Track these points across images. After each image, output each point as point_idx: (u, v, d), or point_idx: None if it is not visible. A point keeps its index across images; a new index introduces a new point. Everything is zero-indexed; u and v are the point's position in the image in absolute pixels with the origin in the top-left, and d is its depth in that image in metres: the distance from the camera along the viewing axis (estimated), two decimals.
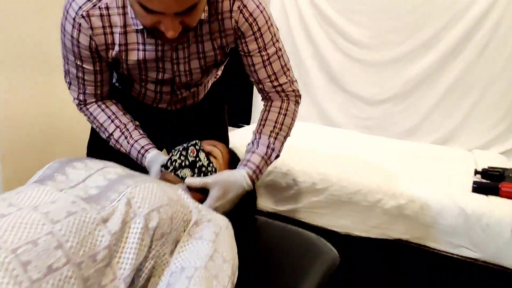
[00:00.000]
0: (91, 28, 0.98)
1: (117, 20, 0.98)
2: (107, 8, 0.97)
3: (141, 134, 1.13)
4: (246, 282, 0.85)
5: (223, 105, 1.46)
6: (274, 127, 1.11)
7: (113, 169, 0.84)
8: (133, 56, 1.03)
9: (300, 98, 1.17)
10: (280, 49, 1.09)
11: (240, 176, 1.03)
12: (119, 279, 0.68)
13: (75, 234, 0.66)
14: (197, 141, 1.05)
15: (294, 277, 0.96)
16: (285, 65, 1.11)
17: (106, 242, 0.68)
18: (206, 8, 0.98)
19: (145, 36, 1.00)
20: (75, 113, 1.20)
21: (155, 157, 1.08)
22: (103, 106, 1.14)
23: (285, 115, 1.12)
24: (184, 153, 1.02)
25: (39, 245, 0.62)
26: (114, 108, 1.15)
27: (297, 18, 2.83)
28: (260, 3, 1.02)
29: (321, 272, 0.95)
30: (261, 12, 1.02)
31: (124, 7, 0.97)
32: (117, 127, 1.13)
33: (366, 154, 2.15)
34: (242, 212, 1.05)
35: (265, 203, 1.91)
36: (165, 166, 1.01)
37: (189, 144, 1.04)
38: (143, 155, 1.09)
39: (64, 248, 0.63)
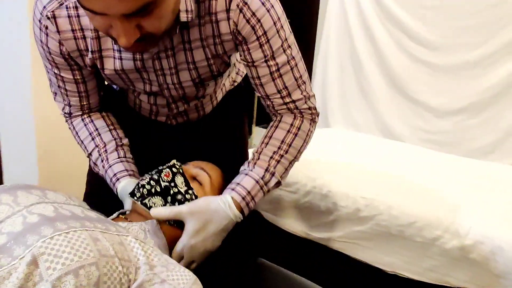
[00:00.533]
0: (58, 31, 0.84)
1: (88, 22, 0.82)
2: (76, 7, 0.81)
3: (119, 157, 0.96)
4: None
5: (241, 116, 1.21)
6: (279, 148, 0.90)
7: (43, 207, 0.65)
8: (109, 65, 0.87)
9: (318, 117, 0.96)
10: (293, 58, 0.89)
11: (223, 204, 0.82)
12: None
13: None
14: (175, 162, 0.85)
15: None
16: (300, 77, 0.91)
17: None
18: (192, 7, 0.77)
19: None
20: None
21: (126, 188, 0.89)
22: (87, 120, 0.99)
23: (295, 134, 0.91)
24: (155, 177, 0.83)
25: None
26: (99, 123, 0.99)
27: (357, 15, 2.57)
28: (266, 0, 0.82)
29: None
30: (268, 10, 0.82)
31: None
32: (96, 146, 0.98)
33: (428, 176, 1.80)
34: (235, 253, 0.82)
35: (298, 227, 1.65)
36: (131, 194, 0.82)
37: (164, 166, 0.84)
38: (114, 184, 0.92)
39: None
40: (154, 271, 0.64)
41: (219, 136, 1.12)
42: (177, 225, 0.80)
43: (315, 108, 0.94)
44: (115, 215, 0.85)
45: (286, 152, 0.90)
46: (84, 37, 0.84)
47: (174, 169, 0.84)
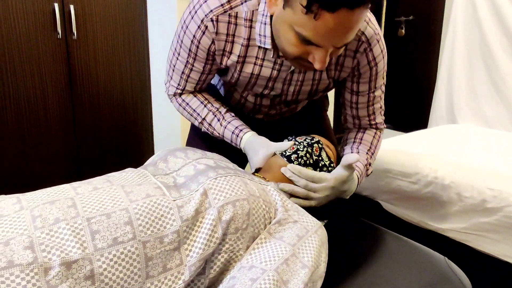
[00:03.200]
0: (216, 32, 0.97)
1: (242, 31, 0.98)
2: (236, 17, 0.96)
3: (233, 116, 1.12)
4: None
5: (322, 113, 1.39)
6: (369, 148, 1.13)
7: (206, 160, 0.84)
8: (248, 69, 1.03)
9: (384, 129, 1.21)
10: (383, 91, 1.12)
11: (354, 183, 1.01)
12: (184, 265, 0.67)
13: (147, 214, 0.67)
14: (319, 138, 1.02)
15: None
16: (382, 105, 1.15)
17: (176, 227, 0.68)
18: None
19: (265, 54, 1.00)
20: None
21: (254, 140, 1.05)
22: (196, 93, 1.15)
23: (378, 140, 1.17)
24: (309, 150, 0.99)
25: (111, 218, 0.65)
26: (206, 95, 1.15)
27: (488, 4, 2.40)
28: (384, 47, 1.03)
29: None
30: (383, 57, 1.04)
31: (251, 21, 0.96)
32: (210, 111, 1.12)
33: None
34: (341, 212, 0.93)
35: (418, 217, 1.65)
36: (288, 158, 0.97)
37: (313, 141, 1.00)
38: (237, 135, 1.08)
39: (133, 225, 0.66)
40: (289, 213, 0.78)
41: (306, 129, 1.26)
42: None
43: (384, 123, 1.20)
44: (252, 171, 1.01)
45: (373, 153, 1.14)
46: (233, 42, 0.99)
47: (320, 145, 1.00)
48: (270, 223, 0.76)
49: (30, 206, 0.66)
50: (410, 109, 3.37)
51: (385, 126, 1.20)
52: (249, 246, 0.73)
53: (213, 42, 0.98)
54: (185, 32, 1.00)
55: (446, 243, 1.57)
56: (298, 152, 0.98)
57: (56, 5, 1.92)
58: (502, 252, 1.43)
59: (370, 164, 1.11)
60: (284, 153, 0.99)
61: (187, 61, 1.04)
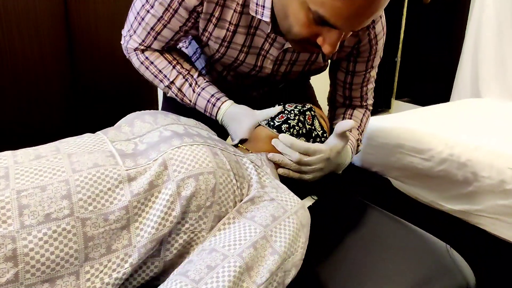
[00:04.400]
0: None
1: None
2: None
3: (207, 82, 0.98)
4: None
5: (304, 80, 1.26)
6: (360, 125, 1.08)
7: (176, 127, 0.74)
8: (239, 40, 0.90)
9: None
10: (376, 72, 1.07)
11: (350, 156, 0.96)
12: (133, 246, 0.58)
13: (90, 187, 0.58)
14: (311, 105, 0.91)
15: None
16: (373, 86, 1.10)
17: (124, 203, 0.59)
18: None
19: (259, 24, 0.88)
20: None
21: (235, 110, 0.93)
22: (163, 52, 0.98)
23: (367, 119, 1.12)
24: (302, 118, 0.88)
25: (46, 191, 0.56)
26: (175, 54, 0.99)
27: None
28: (385, 24, 0.96)
29: None
30: (384, 34, 0.98)
31: None
32: (179, 73, 0.97)
33: None
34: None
35: (430, 196, 1.53)
36: (277, 128, 0.86)
37: (305, 108, 0.89)
38: (214, 104, 0.95)
39: (71, 199, 0.56)
40: (265, 190, 0.68)
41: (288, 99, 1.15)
42: None
43: (372, 106, 1.15)
44: (235, 142, 0.91)
45: (362, 131, 1.09)
46: (223, 6, 0.85)
47: (312, 112, 0.90)
48: (241, 200, 0.66)
49: None
50: (432, 82, 3.17)
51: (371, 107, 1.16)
52: (213, 226, 0.63)
53: (201, 3, 0.85)
54: None
55: (458, 226, 1.45)
56: (289, 121, 0.87)
57: None
58: None
59: (360, 141, 1.07)
60: (272, 123, 0.88)
61: (161, 17, 0.89)
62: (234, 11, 0.85)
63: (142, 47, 0.96)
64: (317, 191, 0.88)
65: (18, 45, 1.85)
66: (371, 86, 1.09)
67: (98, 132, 0.75)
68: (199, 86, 0.97)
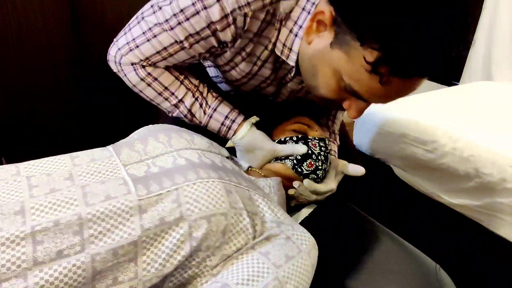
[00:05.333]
0: (244, 29, 0.76)
1: (272, 32, 0.79)
2: (273, 15, 0.76)
3: (217, 99, 0.91)
4: None
5: None
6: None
7: (190, 153, 0.73)
8: (264, 73, 0.88)
9: None
10: None
11: None
12: (139, 280, 0.59)
13: (102, 222, 0.59)
14: (325, 138, 0.92)
15: None
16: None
17: (134, 237, 0.59)
18: None
19: (274, 57, 0.85)
20: None
21: (253, 137, 0.90)
22: (166, 68, 0.88)
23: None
24: (325, 154, 0.90)
25: (59, 226, 0.57)
26: (180, 69, 0.89)
27: None
28: None
29: None
30: None
31: (281, 23, 0.78)
32: (188, 89, 0.88)
33: None
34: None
35: (430, 188, 1.54)
36: (304, 176, 0.87)
37: (327, 151, 0.91)
38: (229, 127, 0.90)
39: (83, 235, 0.57)
40: (281, 228, 0.68)
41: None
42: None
43: None
44: (245, 167, 0.91)
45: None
46: (256, 43, 0.81)
47: (327, 152, 0.91)
48: (254, 237, 0.66)
49: None
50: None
51: None
52: (218, 264, 0.64)
53: (235, 38, 0.78)
54: (198, 12, 0.74)
55: (456, 218, 1.47)
56: (317, 172, 0.88)
57: None
58: None
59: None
60: (300, 170, 0.87)
61: (181, 41, 0.79)
62: (266, 48, 0.82)
63: (144, 63, 0.84)
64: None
65: (22, 18, 1.83)
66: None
67: (111, 150, 0.74)
68: (210, 106, 0.90)
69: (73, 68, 2.03)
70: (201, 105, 0.89)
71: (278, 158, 0.90)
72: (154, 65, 0.84)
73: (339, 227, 0.85)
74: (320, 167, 0.87)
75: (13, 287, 0.52)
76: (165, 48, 0.81)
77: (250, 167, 0.90)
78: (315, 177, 0.87)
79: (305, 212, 0.86)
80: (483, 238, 1.41)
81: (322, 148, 0.89)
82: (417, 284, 0.69)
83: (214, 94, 0.92)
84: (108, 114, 2.13)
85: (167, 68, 0.86)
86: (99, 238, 0.58)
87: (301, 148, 0.88)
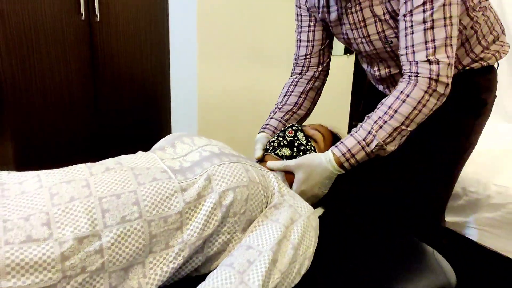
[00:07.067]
0: None
1: None
2: None
3: (276, 119, 1.18)
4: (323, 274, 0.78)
5: (470, 115, 1.13)
6: (385, 113, 0.91)
7: (211, 147, 0.90)
8: (332, 17, 1.12)
9: (440, 85, 0.90)
10: (433, 20, 0.88)
11: (325, 158, 0.94)
12: (185, 243, 0.73)
13: (153, 196, 0.73)
14: (294, 123, 1.08)
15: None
16: (433, 40, 0.88)
17: (179, 209, 0.74)
18: None
19: None
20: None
21: (258, 139, 1.12)
22: (294, 81, 1.23)
23: (403, 101, 0.90)
24: (281, 134, 1.04)
25: (121, 199, 0.72)
26: (298, 88, 1.22)
27: None
28: None
29: None
30: None
31: None
32: (280, 102, 1.21)
33: None
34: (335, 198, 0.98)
35: None
36: (265, 149, 1.04)
37: (287, 127, 1.05)
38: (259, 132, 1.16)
39: (140, 205, 0.72)
40: (284, 198, 0.84)
41: (434, 128, 1.09)
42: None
43: (438, 75, 0.89)
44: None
45: (391, 117, 0.90)
46: None
47: (294, 128, 1.04)
48: (266, 206, 0.82)
49: (49, 184, 0.73)
50: None
51: (437, 73, 0.89)
52: (245, 228, 0.79)
53: (306, 0, 1.15)
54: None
55: (450, 236, 1.60)
56: (270, 139, 1.06)
57: None
58: (505, 247, 1.46)
59: (374, 137, 0.91)
60: (263, 149, 1.06)
61: (297, 25, 1.20)
62: None
63: (294, 62, 1.26)
64: (324, 203, 1.03)
65: (45, 64, 2.01)
66: (419, 37, 0.89)
67: (148, 152, 0.91)
68: (268, 117, 1.21)
69: (90, 109, 2.19)
70: (271, 112, 1.24)
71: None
72: (298, 61, 1.26)
73: (339, 227, 0.98)
74: (274, 138, 1.04)
75: (91, 243, 0.66)
76: (296, 40, 1.24)
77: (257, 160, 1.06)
78: (269, 145, 1.04)
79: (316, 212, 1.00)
80: (473, 252, 1.54)
81: (281, 133, 1.05)
82: (416, 261, 0.83)
83: (275, 111, 1.21)
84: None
85: (291, 81, 1.25)
86: (152, 208, 0.72)
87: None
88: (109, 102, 2.24)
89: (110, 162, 0.83)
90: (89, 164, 0.82)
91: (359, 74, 2.54)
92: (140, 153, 0.90)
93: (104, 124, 2.24)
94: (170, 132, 2.29)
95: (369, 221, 1.04)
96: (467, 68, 1.08)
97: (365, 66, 1.22)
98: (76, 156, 2.19)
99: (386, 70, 1.14)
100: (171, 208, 0.74)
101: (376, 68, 1.16)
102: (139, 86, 2.32)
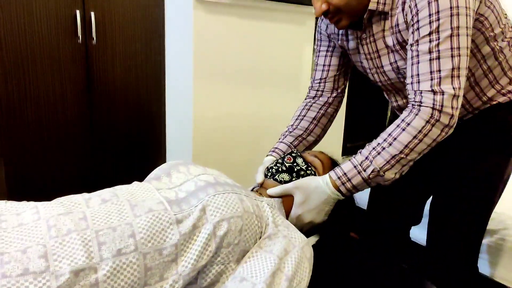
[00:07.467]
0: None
1: None
2: None
3: (285, 143, 1.19)
4: None
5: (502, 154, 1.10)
6: (385, 140, 0.92)
7: (206, 177, 0.90)
8: (349, 45, 1.15)
9: (443, 116, 0.88)
10: (439, 51, 0.87)
11: (322, 181, 0.96)
12: (179, 275, 0.74)
13: (149, 228, 0.74)
14: (293, 149, 1.10)
15: None
16: (438, 70, 0.88)
17: (174, 241, 0.74)
18: (386, 0, 0.97)
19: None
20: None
21: (265, 162, 1.13)
22: (308, 105, 1.26)
23: (403, 129, 0.90)
24: (280, 161, 1.05)
25: (117, 232, 0.72)
26: (310, 113, 1.24)
27: None
28: None
29: None
30: (429, 3, 0.86)
31: None
32: (291, 125, 1.24)
33: None
34: (337, 226, 0.98)
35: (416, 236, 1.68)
36: (265, 175, 1.05)
37: (286, 154, 1.08)
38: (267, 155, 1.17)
39: (136, 238, 0.72)
40: (278, 228, 0.84)
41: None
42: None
43: (441, 107, 0.88)
44: (250, 188, 1.07)
45: (390, 145, 0.90)
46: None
47: (293, 154, 1.06)
48: (260, 237, 0.82)
49: (47, 216, 0.74)
50: None
51: (441, 104, 0.88)
52: (239, 259, 0.79)
53: (327, 26, 1.19)
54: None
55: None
56: (269, 167, 1.07)
57: (77, 12, 2.01)
58: (495, 273, 1.46)
59: (371, 162, 0.92)
60: (266, 173, 1.07)
61: (316, 49, 1.25)
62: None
63: (310, 89, 1.29)
64: (320, 230, 1.03)
65: (41, 87, 2.02)
66: (425, 67, 0.89)
67: (144, 182, 0.91)
68: (280, 140, 1.23)
69: (85, 129, 2.19)
70: (281, 135, 1.26)
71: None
72: (313, 85, 1.29)
73: (332, 253, 0.99)
74: (273, 164, 1.06)
75: (87, 276, 0.66)
76: (315, 64, 1.28)
77: (253, 188, 1.06)
78: (268, 170, 1.06)
79: (310, 241, 1.00)
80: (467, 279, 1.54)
81: (280, 160, 1.06)
82: None
83: (285, 135, 1.25)
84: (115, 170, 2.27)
85: (304, 105, 1.28)
86: (148, 240, 0.73)
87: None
88: (105, 125, 2.25)
89: (106, 193, 0.83)
90: (86, 195, 0.82)
91: (352, 96, 2.58)
92: (135, 183, 0.91)
93: (99, 147, 2.24)
94: (164, 155, 2.30)
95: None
96: (494, 102, 1.05)
97: (386, 96, 1.23)
98: (71, 179, 2.18)
99: (404, 100, 1.13)
100: (167, 241, 0.74)
101: (393, 99, 1.18)
102: (134, 110, 2.33)
